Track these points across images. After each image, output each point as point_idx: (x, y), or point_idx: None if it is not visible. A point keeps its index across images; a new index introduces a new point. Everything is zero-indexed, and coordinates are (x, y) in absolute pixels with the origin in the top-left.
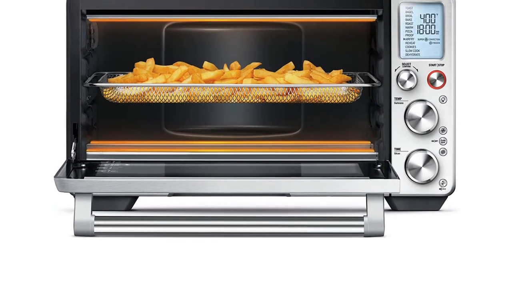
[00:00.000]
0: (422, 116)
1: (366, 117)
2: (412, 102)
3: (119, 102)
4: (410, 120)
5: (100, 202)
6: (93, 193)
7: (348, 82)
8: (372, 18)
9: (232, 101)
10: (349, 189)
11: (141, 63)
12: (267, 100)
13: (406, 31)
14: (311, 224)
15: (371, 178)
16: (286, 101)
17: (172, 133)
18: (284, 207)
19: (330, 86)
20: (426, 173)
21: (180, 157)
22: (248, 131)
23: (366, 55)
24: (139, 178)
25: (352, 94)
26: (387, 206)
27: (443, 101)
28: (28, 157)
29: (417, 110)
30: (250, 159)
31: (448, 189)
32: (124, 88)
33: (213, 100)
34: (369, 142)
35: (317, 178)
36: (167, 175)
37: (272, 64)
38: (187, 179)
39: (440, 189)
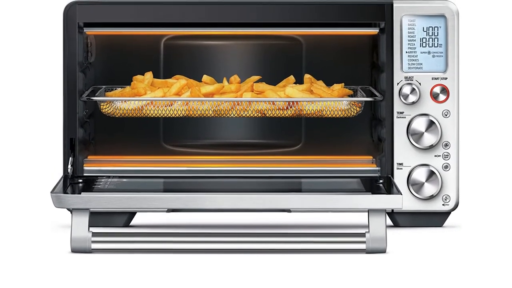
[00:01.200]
0: (425, 131)
1: (368, 132)
2: (415, 116)
3: (116, 116)
4: (413, 135)
5: (97, 218)
6: (90, 209)
7: (349, 96)
8: (374, 31)
9: (232, 115)
10: (351, 205)
11: (139, 76)
12: (267, 115)
13: (408, 44)
14: (312, 241)
15: (373, 193)
16: (287, 115)
17: (171, 148)
18: (285, 223)
19: (332, 100)
20: (429, 189)
21: (179, 172)
22: (248, 146)
23: (368, 69)
24: (137, 193)
25: (353, 108)
26: (389, 222)
27: (446, 115)
28: (25, 172)
29: (419, 124)
30: (250, 174)
31: (451, 205)
32: (122, 102)
33: (212, 115)
34: (371, 157)
35: (318, 193)
36: (166, 190)
37: (273, 78)
38: (186, 194)
39: (443, 205)
